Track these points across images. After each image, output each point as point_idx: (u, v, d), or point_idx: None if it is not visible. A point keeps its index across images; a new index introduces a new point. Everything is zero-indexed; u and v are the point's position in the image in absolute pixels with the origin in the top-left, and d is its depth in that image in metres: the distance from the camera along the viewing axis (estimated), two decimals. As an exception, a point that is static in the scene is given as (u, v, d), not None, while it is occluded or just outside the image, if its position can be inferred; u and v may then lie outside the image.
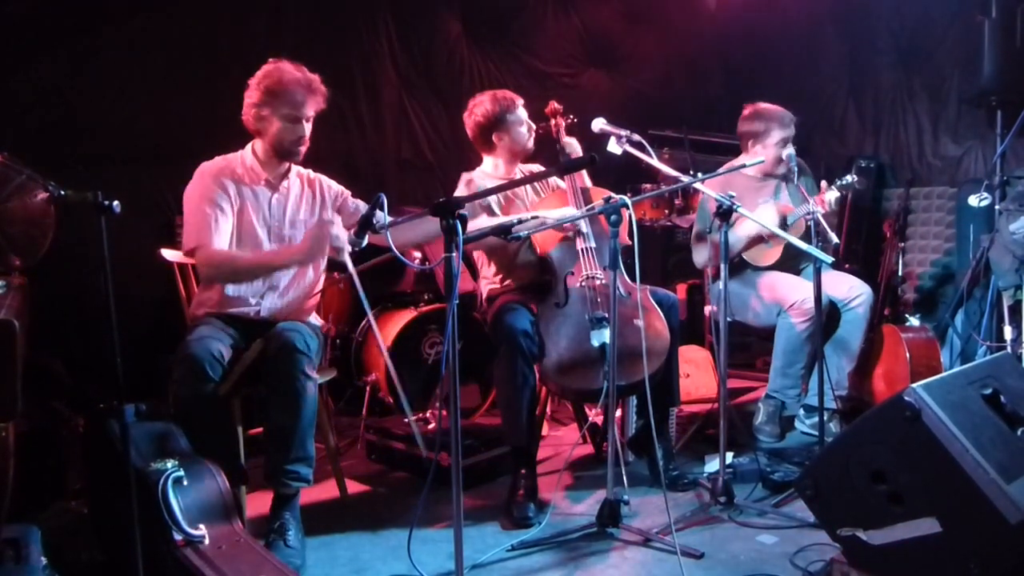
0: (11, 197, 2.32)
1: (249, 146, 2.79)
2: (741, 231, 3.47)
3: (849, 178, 3.37)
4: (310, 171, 2.91)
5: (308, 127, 2.75)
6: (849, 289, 3.47)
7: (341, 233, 2.65)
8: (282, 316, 2.77)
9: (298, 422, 2.51)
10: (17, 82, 3.24)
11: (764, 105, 3.61)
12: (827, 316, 3.45)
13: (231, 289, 2.72)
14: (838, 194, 3.37)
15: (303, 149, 2.77)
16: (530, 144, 3.22)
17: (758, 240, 3.52)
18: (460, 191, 3.13)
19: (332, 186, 2.95)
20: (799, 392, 3.55)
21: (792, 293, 3.42)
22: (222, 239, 2.65)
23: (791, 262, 3.59)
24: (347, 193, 2.96)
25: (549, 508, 2.81)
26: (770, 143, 3.57)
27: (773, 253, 3.56)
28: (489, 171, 3.27)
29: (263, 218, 2.75)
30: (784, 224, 3.38)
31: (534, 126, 3.22)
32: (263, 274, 2.73)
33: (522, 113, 3.19)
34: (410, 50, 4.59)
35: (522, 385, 2.81)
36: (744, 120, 3.65)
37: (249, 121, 2.72)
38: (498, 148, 3.20)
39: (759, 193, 3.65)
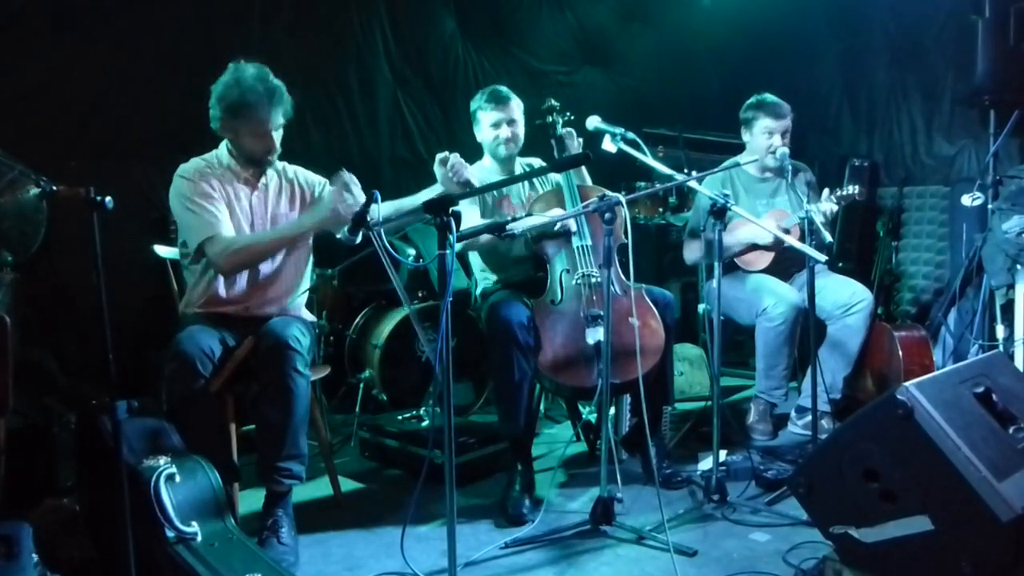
0: (3, 193, 2.31)
1: (223, 145, 2.76)
2: (739, 235, 3.48)
3: (850, 189, 3.34)
4: (285, 164, 2.88)
5: (278, 134, 2.70)
6: (851, 295, 3.47)
7: (358, 193, 2.59)
8: (273, 311, 2.77)
9: (290, 419, 2.50)
10: (9, 78, 3.22)
11: (765, 95, 3.62)
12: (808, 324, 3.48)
13: (222, 287, 2.70)
14: (835, 206, 3.33)
15: (273, 157, 2.74)
16: (500, 147, 3.16)
17: (753, 247, 3.53)
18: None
19: (310, 177, 2.92)
20: (785, 392, 3.55)
21: (768, 296, 3.42)
22: (229, 227, 2.64)
23: (783, 267, 3.59)
24: (325, 182, 2.93)
25: (543, 505, 2.81)
26: (756, 131, 3.58)
27: (765, 258, 3.57)
28: (486, 165, 3.27)
29: (246, 216, 2.73)
30: (783, 230, 3.38)
31: (506, 130, 3.14)
32: (283, 248, 2.70)
33: (490, 115, 3.14)
34: (405, 47, 4.58)
35: (519, 376, 2.80)
36: (742, 109, 3.67)
37: (216, 130, 2.69)
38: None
39: (758, 193, 3.66)
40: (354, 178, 2.63)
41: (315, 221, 2.67)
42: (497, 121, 3.14)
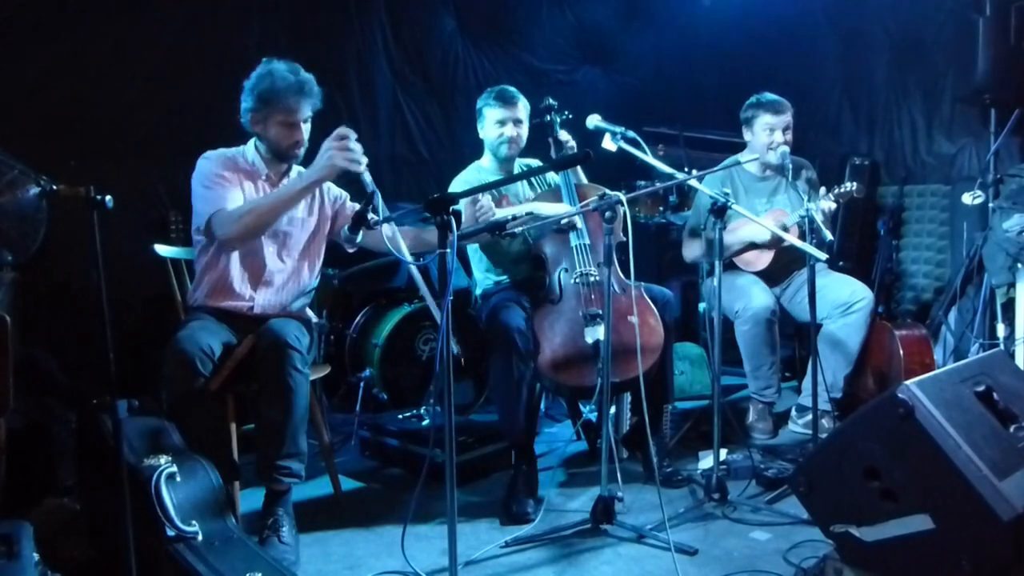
0: (3, 192, 2.31)
1: (251, 142, 2.79)
2: (740, 234, 3.48)
3: (848, 186, 3.32)
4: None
5: (306, 128, 2.74)
6: (851, 294, 3.46)
7: (357, 147, 2.53)
8: (276, 312, 2.77)
9: (289, 417, 2.50)
10: (9, 77, 3.23)
11: (764, 94, 3.61)
12: (801, 331, 3.52)
13: (236, 272, 2.71)
14: (834, 204, 3.31)
15: (301, 151, 2.76)
16: (502, 145, 3.15)
17: (753, 246, 3.53)
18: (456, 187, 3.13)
19: (332, 188, 2.94)
20: (776, 391, 3.56)
21: (739, 299, 3.43)
22: (236, 204, 2.63)
23: (784, 266, 3.59)
24: (346, 196, 2.96)
25: (543, 504, 2.81)
26: (757, 128, 3.57)
27: (765, 257, 3.57)
28: (484, 165, 3.27)
29: None
30: (782, 229, 3.37)
31: (511, 129, 3.14)
32: (286, 209, 2.62)
33: (496, 112, 3.14)
34: (404, 46, 4.58)
35: (518, 382, 2.80)
36: (742, 110, 3.66)
37: (246, 124, 2.72)
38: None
39: (758, 192, 3.66)
40: (351, 131, 2.57)
41: (314, 173, 2.57)
42: (503, 119, 3.14)
